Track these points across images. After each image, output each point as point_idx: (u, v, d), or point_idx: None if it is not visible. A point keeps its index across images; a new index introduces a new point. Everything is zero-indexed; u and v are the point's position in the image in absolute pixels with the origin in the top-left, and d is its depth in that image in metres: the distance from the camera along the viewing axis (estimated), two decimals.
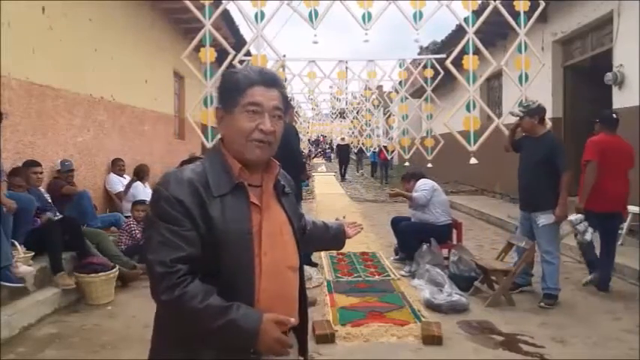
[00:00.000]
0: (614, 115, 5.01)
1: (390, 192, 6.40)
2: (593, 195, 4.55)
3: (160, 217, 1.27)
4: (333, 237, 1.85)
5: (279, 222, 1.41)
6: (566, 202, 4.39)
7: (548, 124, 6.18)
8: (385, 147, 17.00)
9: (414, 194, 5.76)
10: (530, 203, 4.65)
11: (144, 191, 6.74)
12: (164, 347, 1.36)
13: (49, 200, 5.24)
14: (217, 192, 1.30)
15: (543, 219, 4.49)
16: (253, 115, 1.34)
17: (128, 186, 6.87)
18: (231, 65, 6.34)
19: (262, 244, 1.33)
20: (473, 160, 6.38)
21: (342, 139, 22.47)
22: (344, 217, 1.96)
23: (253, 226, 1.32)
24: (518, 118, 4.78)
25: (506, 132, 6.10)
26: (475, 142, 6.31)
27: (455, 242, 5.88)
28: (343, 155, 21.63)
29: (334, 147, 40.34)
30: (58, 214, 5.15)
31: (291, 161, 4.31)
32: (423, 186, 5.81)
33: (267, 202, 1.39)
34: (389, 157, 17.63)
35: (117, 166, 7.17)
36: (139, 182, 6.93)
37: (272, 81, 1.38)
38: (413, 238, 5.61)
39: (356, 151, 23.35)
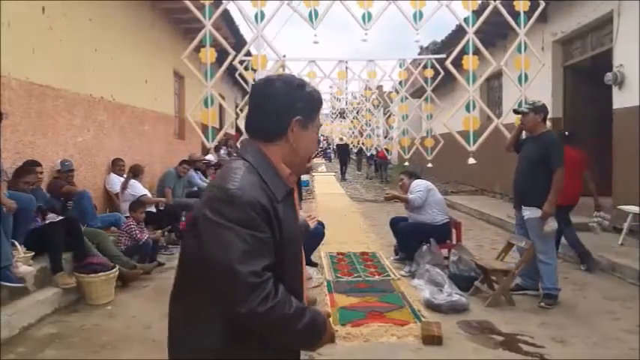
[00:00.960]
0: (566, 133, 6.37)
1: (386, 195, 6.36)
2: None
3: (241, 223, 1.21)
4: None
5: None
6: (555, 198, 4.42)
7: (548, 124, 6.18)
8: (386, 148, 17.14)
9: (409, 196, 5.76)
10: (520, 198, 4.69)
11: (142, 189, 6.75)
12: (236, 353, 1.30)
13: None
14: (280, 195, 1.32)
15: (528, 212, 4.53)
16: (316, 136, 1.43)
17: (124, 184, 6.86)
18: (231, 65, 6.35)
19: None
20: (471, 160, 6.39)
21: (341, 138, 22.58)
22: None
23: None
24: (521, 115, 4.79)
25: (506, 132, 6.11)
26: (475, 142, 6.32)
27: (454, 242, 5.89)
28: (343, 155, 21.80)
29: (333, 147, 40.46)
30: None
31: None
32: (418, 187, 5.80)
33: (297, 206, 1.47)
34: (389, 157, 17.65)
35: (117, 166, 7.17)
36: (134, 180, 6.92)
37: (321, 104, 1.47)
38: (412, 238, 5.61)
39: (356, 151, 23.37)
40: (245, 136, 1.54)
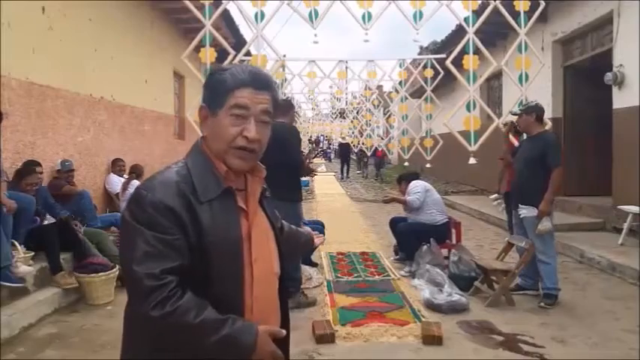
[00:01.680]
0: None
1: (384, 198, 6.34)
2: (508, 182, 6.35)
3: (146, 225, 1.15)
4: (304, 243, 1.82)
5: (264, 227, 1.36)
6: (551, 197, 4.43)
7: (548, 124, 6.19)
8: (387, 148, 17.26)
9: (408, 198, 5.77)
10: (517, 198, 4.70)
11: None
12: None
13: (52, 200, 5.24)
14: (205, 197, 1.22)
15: (524, 210, 4.54)
16: (238, 119, 1.24)
17: (125, 184, 6.86)
18: None
19: (252, 251, 1.27)
20: (472, 160, 6.40)
21: (343, 138, 22.76)
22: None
23: (243, 232, 1.26)
24: (515, 117, 4.82)
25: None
26: (475, 142, 6.32)
27: (454, 242, 5.89)
28: (344, 154, 22.15)
29: (334, 146, 40.51)
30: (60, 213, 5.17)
31: (289, 161, 4.30)
32: (415, 189, 5.80)
33: (254, 207, 1.32)
34: (389, 157, 17.71)
35: (117, 167, 7.17)
36: (136, 180, 6.92)
37: (263, 83, 1.28)
38: (412, 238, 5.61)
39: (356, 150, 23.45)
40: None
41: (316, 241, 1.89)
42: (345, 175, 21.45)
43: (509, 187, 5.60)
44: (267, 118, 1.29)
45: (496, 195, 7.12)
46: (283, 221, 1.69)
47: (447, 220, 5.82)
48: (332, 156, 38.81)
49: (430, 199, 5.76)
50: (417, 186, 5.86)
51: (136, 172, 7.05)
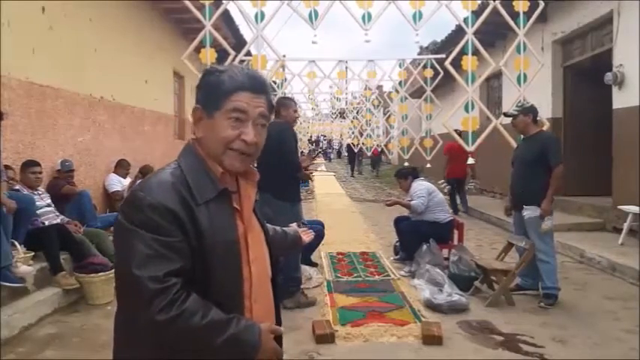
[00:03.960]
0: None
1: (387, 202, 6.27)
2: (449, 171, 9.99)
3: (144, 227, 1.13)
4: (291, 243, 1.80)
5: (258, 229, 1.37)
6: (552, 196, 4.43)
7: (546, 124, 6.20)
8: (387, 148, 17.54)
9: (412, 203, 5.74)
10: (518, 199, 4.70)
11: None
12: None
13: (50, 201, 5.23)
14: (202, 198, 1.20)
15: (528, 212, 4.54)
16: (236, 122, 1.23)
17: (132, 184, 6.86)
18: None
19: (250, 252, 1.27)
20: (470, 160, 6.40)
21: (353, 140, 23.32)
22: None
23: (239, 234, 1.26)
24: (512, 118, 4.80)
25: (505, 133, 6.11)
26: (473, 143, 6.32)
27: (456, 242, 5.89)
28: (351, 154, 23.41)
29: (334, 147, 40.52)
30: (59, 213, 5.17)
31: (286, 161, 4.29)
32: (419, 192, 5.76)
33: (249, 209, 1.32)
34: (389, 157, 17.76)
35: (122, 168, 7.15)
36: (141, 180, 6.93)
37: (260, 87, 1.27)
38: (415, 237, 5.58)
39: (356, 150, 23.53)
40: None
41: (304, 238, 1.84)
42: (352, 173, 23.12)
43: (450, 175, 9.82)
44: (265, 121, 1.29)
45: (442, 180, 10.15)
46: (267, 224, 1.68)
47: (451, 218, 5.82)
48: (332, 156, 38.81)
49: (433, 201, 5.75)
50: (420, 189, 5.81)
51: (144, 172, 7.06)
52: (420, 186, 5.88)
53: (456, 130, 6.75)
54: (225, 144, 1.24)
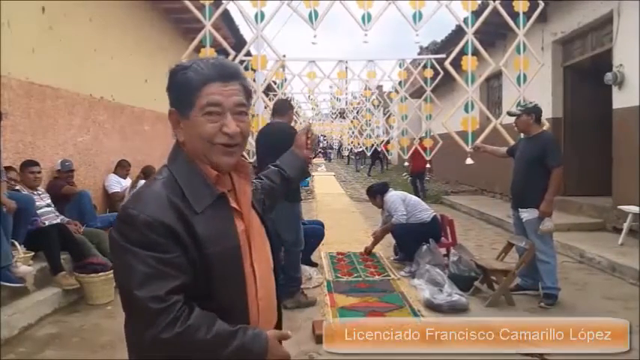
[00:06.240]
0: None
1: (366, 248, 6.30)
2: (412, 168, 11.94)
3: (141, 246, 1.09)
4: (296, 173, 1.67)
5: (258, 225, 1.33)
6: (552, 197, 4.42)
7: (545, 124, 6.19)
8: (387, 148, 17.60)
9: (393, 220, 5.85)
10: (517, 200, 4.70)
11: None
12: None
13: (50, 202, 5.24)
14: (199, 206, 1.16)
15: (526, 214, 4.54)
16: (213, 116, 1.17)
17: (134, 184, 6.86)
18: None
19: (252, 252, 1.24)
20: (469, 161, 6.40)
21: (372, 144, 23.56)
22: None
23: (240, 237, 1.22)
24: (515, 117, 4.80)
25: (505, 133, 6.12)
26: (473, 143, 6.31)
27: (450, 240, 5.92)
28: (374, 156, 23.38)
29: (334, 147, 40.53)
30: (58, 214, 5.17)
31: None
32: (393, 204, 5.87)
33: (247, 207, 1.27)
34: (389, 157, 17.83)
35: (122, 168, 7.14)
36: (143, 181, 6.92)
37: (230, 74, 1.19)
38: (409, 239, 5.67)
39: (356, 151, 23.54)
40: None
41: (306, 153, 1.68)
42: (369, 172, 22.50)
43: (413, 170, 12.38)
44: (243, 108, 1.22)
45: (406, 174, 12.69)
46: (255, 181, 1.57)
47: (434, 214, 5.93)
48: (332, 156, 38.83)
49: (410, 205, 5.90)
50: (393, 201, 5.91)
51: (146, 172, 7.06)
52: (392, 198, 5.98)
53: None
54: (208, 141, 1.18)
